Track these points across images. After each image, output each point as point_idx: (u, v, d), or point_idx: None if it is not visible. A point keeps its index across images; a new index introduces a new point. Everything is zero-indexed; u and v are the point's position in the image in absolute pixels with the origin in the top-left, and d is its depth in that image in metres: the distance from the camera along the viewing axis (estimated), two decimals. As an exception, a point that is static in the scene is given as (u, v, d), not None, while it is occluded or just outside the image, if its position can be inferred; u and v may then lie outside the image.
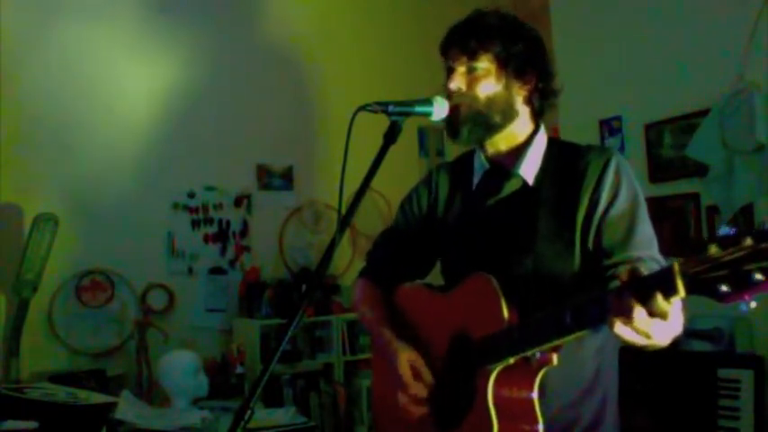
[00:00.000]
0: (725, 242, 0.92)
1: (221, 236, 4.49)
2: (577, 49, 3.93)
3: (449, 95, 1.49)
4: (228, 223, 4.52)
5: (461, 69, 1.49)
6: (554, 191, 1.46)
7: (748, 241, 0.90)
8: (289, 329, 1.27)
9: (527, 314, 1.31)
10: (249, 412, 1.19)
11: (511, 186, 1.51)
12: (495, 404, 1.30)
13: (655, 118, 3.49)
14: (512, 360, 1.29)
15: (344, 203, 1.33)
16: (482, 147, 1.55)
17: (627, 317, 1.03)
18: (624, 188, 1.41)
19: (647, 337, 1.06)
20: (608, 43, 3.76)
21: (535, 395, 1.30)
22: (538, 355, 1.27)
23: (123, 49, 4.28)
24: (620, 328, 1.06)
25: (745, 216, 3.10)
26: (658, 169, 3.44)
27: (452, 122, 1.49)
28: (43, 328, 3.91)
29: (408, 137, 5.05)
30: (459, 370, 1.42)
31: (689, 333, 3.11)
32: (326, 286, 4.51)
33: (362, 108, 1.33)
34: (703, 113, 3.22)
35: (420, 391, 1.47)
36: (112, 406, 2.58)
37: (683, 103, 3.34)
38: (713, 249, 0.93)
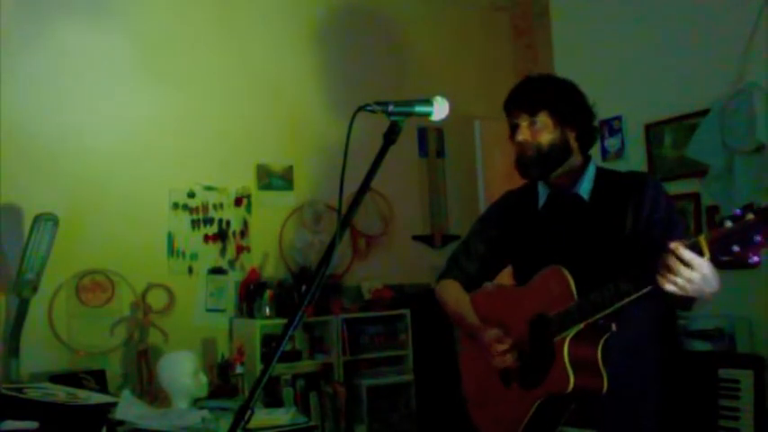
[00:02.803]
0: (734, 218, 1.35)
1: (221, 236, 4.49)
2: (577, 49, 3.93)
3: (518, 145, 1.89)
4: (228, 223, 4.52)
5: (525, 124, 1.88)
6: (605, 205, 1.86)
7: (750, 216, 1.32)
8: (289, 329, 1.27)
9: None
10: (249, 412, 1.19)
11: (571, 204, 1.90)
12: (571, 362, 1.67)
13: (655, 118, 3.48)
14: (582, 325, 1.65)
15: (344, 203, 1.33)
16: (546, 178, 1.93)
17: (671, 272, 1.43)
18: (661, 198, 1.82)
19: (686, 288, 1.45)
20: (608, 43, 3.76)
21: (599, 355, 1.65)
22: (601, 321, 1.63)
23: (124, 52, 4.28)
24: (666, 283, 1.45)
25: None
26: (658, 169, 3.44)
27: (523, 165, 1.90)
28: (43, 328, 3.91)
29: (408, 137, 5.06)
30: (540, 342, 1.77)
31: (689, 333, 3.10)
32: (327, 286, 4.51)
33: (362, 108, 1.34)
34: (703, 113, 3.21)
35: (504, 347, 1.85)
36: (112, 406, 2.58)
37: (683, 103, 3.34)
38: (728, 224, 1.36)
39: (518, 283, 2.00)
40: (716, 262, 1.41)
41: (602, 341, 1.66)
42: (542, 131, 1.86)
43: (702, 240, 1.40)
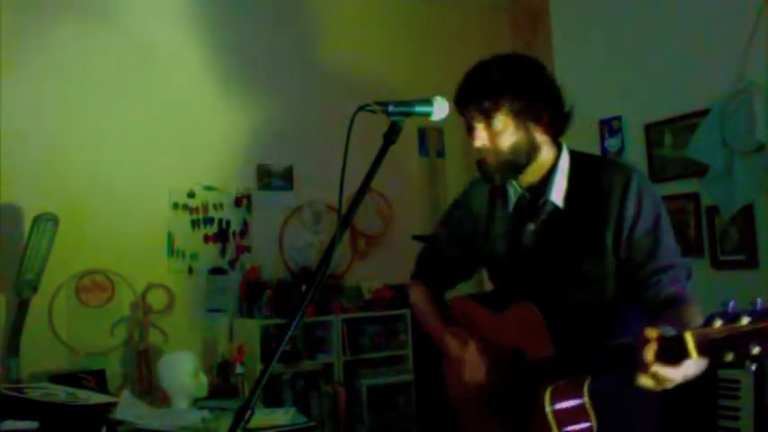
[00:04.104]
0: (727, 319, 1.10)
1: (221, 236, 4.49)
2: (577, 49, 3.93)
3: (476, 149, 1.63)
4: (228, 223, 4.52)
5: (480, 126, 1.60)
6: (582, 213, 1.61)
7: (745, 320, 1.07)
8: (289, 329, 1.27)
9: (570, 330, 1.52)
10: (249, 412, 1.19)
11: (545, 212, 1.66)
12: (554, 416, 1.50)
13: (655, 118, 3.49)
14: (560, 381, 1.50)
15: (344, 203, 1.33)
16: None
17: (647, 373, 1.23)
18: (646, 205, 1.57)
19: (666, 387, 1.25)
20: (608, 43, 3.76)
21: (585, 399, 1.50)
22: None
23: (125, 53, 4.28)
24: (642, 380, 1.25)
25: (744, 216, 3.10)
26: (658, 169, 3.44)
27: (484, 171, 1.65)
28: (43, 328, 3.91)
29: (408, 137, 5.05)
30: (518, 381, 1.60)
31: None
32: (326, 286, 4.50)
33: (362, 108, 1.33)
34: (703, 113, 3.21)
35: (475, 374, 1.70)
36: (112, 406, 2.58)
37: (683, 103, 3.34)
38: (718, 324, 1.11)
39: (495, 286, 1.84)
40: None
41: (585, 386, 1.50)
42: (502, 135, 1.58)
43: (690, 339, 1.14)
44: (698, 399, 2.94)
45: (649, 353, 1.20)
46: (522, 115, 1.58)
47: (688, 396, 2.94)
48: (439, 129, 5.19)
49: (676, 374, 1.21)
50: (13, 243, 3.81)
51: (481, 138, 1.60)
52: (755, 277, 3.06)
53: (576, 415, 1.50)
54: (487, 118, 1.58)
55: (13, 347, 3.64)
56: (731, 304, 1.12)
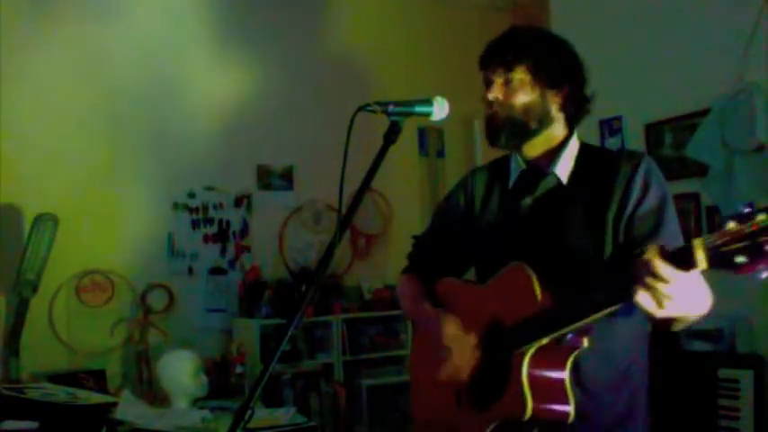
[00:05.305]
0: (742, 218, 1.02)
1: (221, 236, 4.49)
2: (577, 49, 3.92)
3: (488, 104, 1.60)
4: (228, 223, 4.52)
5: (499, 80, 1.59)
6: (586, 190, 1.55)
7: (762, 216, 1.00)
8: (289, 329, 1.27)
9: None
10: (249, 412, 1.19)
11: (546, 185, 1.60)
12: (530, 383, 1.38)
13: (655, 118, 3.49)
14: (545, 341, 1.36)
15: (344, 203, 1.33)
16: (519, 149, 1.64)
17: (649, 283, 1.14)
18: (654, 188, 1.50)
19: (666, 307, 1.16)
20: (608, 43, 3.76)
21: (566, 376, 1.38)
22: (569, 336, 1.35)
23: (125, 52, 4.29)
24: (642, 296, 1.17)
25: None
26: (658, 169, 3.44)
27: (491, 129, 1.61)
28: (43, 328, 3.91)
29: (408, 137, 5.05)
30: (494, 355, 1.49)
31: (689, 333, 3.10)
32: (326, 286, 4.51)
33: (362, 108, 1.33)
34: (703, 113, 3.21)
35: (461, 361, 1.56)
36: (112, 406, 2.58)
37: (683, 103, 3.34)
38: (731, 225, 1.03)
39: (479, 280, 1.71)
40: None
41: (570, 359, 1.38)
42: (517, 91, 1.57)
43: (698, 245, 1.07)
44: (698, 399, 2.94)
45: (654, 255, 1.13)
46: (542, 78, 1.58)
47: (688, 396, 2.95)
48: (439, 129, 5.19)
49: (677, 284, 1.12)
50: (13, 243, 3.81)
51: (496, 91, 1.59)
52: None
53: (554, 393, 1.38)
54: (507, 71, 1.57)
55: (13, 347, 3.64)
56: (746, 207, 1.04)
